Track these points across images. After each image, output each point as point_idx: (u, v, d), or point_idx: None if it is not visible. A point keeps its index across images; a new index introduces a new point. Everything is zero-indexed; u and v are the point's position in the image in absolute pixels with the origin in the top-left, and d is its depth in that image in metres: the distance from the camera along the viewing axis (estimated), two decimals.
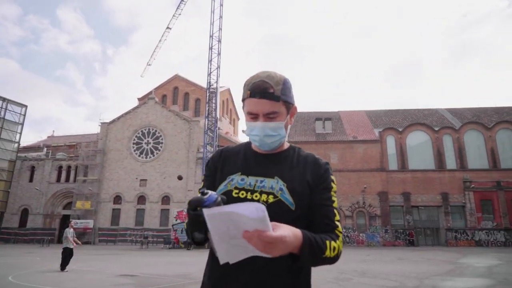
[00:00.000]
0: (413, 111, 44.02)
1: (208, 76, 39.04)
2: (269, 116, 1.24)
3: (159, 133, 43.54)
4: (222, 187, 1.27)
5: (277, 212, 1.08)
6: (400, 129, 37.60)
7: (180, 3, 48.75)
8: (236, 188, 1.24)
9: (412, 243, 33.29)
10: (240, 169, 1.29)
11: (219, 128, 42.81)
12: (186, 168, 41.15)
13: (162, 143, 43.01)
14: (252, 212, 0.89)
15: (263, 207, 0.89)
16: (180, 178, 38.21)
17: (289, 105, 1.29)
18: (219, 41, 39.50)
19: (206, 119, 38.40)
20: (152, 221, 39.80)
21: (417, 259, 17.71)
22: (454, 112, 42.55)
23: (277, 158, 1.31)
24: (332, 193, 1.27)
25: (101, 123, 44.69)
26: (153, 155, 42.68)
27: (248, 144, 1.39)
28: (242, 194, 1.22)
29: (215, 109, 39.05)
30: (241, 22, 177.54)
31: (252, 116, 1.26)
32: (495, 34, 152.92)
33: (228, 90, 62.06)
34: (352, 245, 33.68)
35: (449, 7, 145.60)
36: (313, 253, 1.06)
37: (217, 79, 39.01)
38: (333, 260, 1.14)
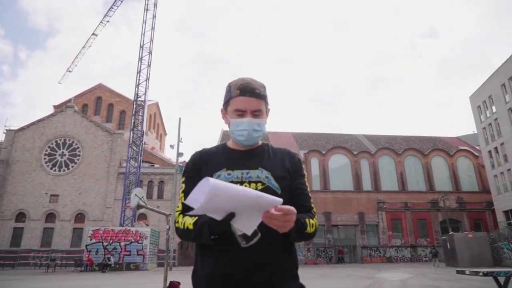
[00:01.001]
0: (335, 136, 47.02)
1: (136, 87, 37.34)
2: (255, 113, 1.41)
3: (76, 144, 40.04)
4: None
5: None
6: (324, 152, 39.74)
7: (109, 10, 46.54)
8: None
9: (342, 260, 34.86)
10: (224, 165, 1.40)
11: (144, 143, 40.84)
12: (106, 183, 38.25)
13: (79, 155, 39.56)
14: (252, 194, 1.05)
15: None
16: None
17: (267, 106, 1.48)
18: (150, 52, 38.26)
19: (131, 132, 36.41)
20: (62, 241, 35.82)
21: (339, 275, 18.38)
22: (370, 138, 46.44)
23: (255, 152, 1.46)
24: (305, 179, 1.49)
25: (7, 130, 39.73)
26: (68, 168, 38.95)
27: (223, 145, 1.53)
28: None
29: (142, 122, 37.27)
30: (174, 38, 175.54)
31: (240, 113, 1.40)
32: (401, 72, 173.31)
33: (157, 104, 59.98)
34: None
35: (366, 44, 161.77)
36: (299, 230, 1.26)
37: (145, 91, 37.48)
38: (312, 235, 1.34)
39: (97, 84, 53.03)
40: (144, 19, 38.82)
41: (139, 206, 14.24)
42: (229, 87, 1.44)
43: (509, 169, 32.90)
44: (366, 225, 36.95)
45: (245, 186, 1.32)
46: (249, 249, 1.19)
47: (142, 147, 36.82)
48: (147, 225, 32.43)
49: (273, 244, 1.26)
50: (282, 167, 1.42)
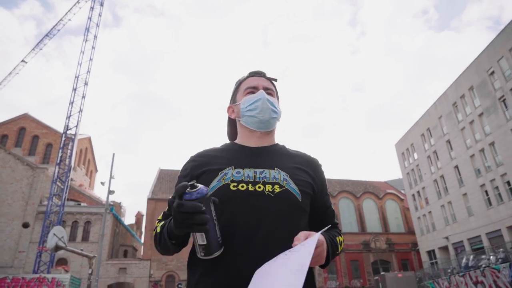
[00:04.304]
0: None
1: (67, 118, 34.78)
2: (268, 92, 1.32)
3: None
4: (215, 183, 1.16)
5: (284, 202, 1.09)
6: None
7: (44, 37, 44.10)
8: (232, 181, 1.15)
9: None
10: (232, 163, 1.21)
11: (72, 179, 37.59)
12: (21, 224, 33.92)
13: None
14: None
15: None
16: (25, 226, 31.60)
17: (278, 99, 1.39)
18: (86, 83, 36.32)
19: (57, 166, 33.32)
20: None
21: None
22: None
23: (269, 150, 1.29)
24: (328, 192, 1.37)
25: None
26: None
27: (232, 143, 1.37)
28: (242, 186, 1.13)
29: (70, 156, 34.44)
30: (113, 74, 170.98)
31: (251, 90, 1.32)
32: (331, 121, 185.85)
33: (89, 139, 56.45)
34: None
35: (303, 95, 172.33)
36: (334, 252, 1.15)
37: (77, 123, 35.04)
38: (339, 252, 1.23)
39: (22, 114, 48.75)
40: (82, 50, 37.27)
41: (57, 247, 12.47)
42: (239, 80, 1.42)
43: (430, 212, 35.60)
44: None
45: (259, 186, 1.13)
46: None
47: (68, 183, 33.71)
48: (66, 271, 28.92)
49: None
50: (304, 172, 1.25)
